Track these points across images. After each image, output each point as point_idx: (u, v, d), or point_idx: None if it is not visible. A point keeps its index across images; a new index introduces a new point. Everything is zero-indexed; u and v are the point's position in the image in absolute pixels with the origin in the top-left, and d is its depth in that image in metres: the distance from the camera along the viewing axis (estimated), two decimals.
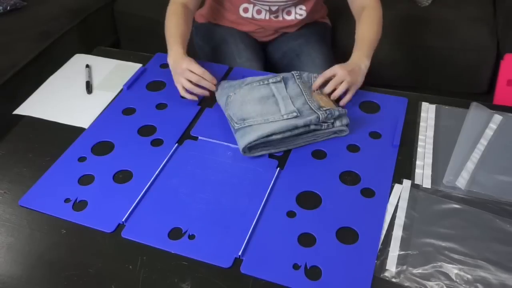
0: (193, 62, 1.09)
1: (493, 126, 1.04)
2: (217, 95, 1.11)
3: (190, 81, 1.09)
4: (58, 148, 1.03)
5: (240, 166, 0.97)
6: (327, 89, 1.07)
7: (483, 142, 1.00)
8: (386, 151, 1.00)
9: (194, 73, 1.08)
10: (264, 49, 1.46)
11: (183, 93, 1.11)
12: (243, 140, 0.97)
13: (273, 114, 0.99)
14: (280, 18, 1.36)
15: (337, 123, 1.00)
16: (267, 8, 1.32)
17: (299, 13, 1.36)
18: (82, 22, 1.95)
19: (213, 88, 1.10)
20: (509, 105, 1.11)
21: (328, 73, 1.07)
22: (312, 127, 0.98)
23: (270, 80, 1.07)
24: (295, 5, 1.33)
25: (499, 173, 0.94)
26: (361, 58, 1.13)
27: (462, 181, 0.92)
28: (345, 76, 1.06)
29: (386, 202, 0.89)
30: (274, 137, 0.96)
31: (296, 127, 0.97)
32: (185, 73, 1.09)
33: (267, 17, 1.35)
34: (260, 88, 1.06)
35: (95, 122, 1.10)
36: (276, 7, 1.31)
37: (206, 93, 1.11)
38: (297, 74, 1.09)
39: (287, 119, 0.98)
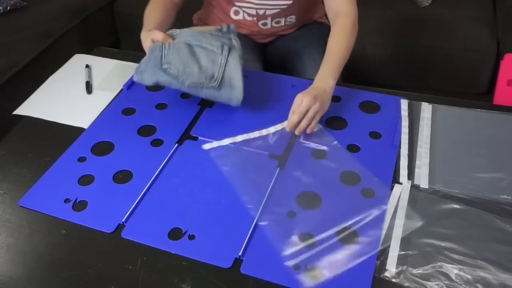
0: (154, 32, 1.08)
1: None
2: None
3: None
4: (58, 148, 1.03)
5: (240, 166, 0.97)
6: (297, 123, 1.01)
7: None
8: (386, 151, 1.00)
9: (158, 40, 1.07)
10: (263, 50, 1.46)
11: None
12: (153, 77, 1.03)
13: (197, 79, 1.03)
14: (269, 26, 1.36)
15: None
16: (254, 12, 1.31)
17: (288, 20, 1.36)
18: (82, 22, 1.95)
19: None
20: (509, 105, 1.11)
21: (296, 106, 1.01)
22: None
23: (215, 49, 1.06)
24: (285, 16, 1.33)
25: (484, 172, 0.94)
26: (326, 78, 1.07)
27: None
28: (311, 103, 1.00)
29: (386, 202, 0.89)
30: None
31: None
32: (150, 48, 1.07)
33: (255, 20, 1.35)
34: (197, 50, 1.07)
35: (95, 122, 1.10)
36: (263, 11, 1.30)
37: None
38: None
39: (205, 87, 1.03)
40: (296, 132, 1.02)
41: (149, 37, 1.08)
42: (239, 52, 1.07)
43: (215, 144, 1.02)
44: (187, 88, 1.04)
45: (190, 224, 0.86)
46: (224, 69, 1.03)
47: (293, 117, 1.01)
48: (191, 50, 1.05)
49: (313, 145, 1.01)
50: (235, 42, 1.08)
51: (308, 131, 1.02)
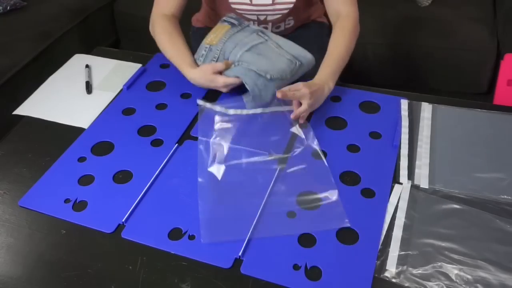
0: (226, 77, 1.08)
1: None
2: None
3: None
4: (58, 148, 1.03)
5: (240, 166, 0.97)
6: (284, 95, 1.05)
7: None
8: (386, 151, 1.00)
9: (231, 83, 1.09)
10: None
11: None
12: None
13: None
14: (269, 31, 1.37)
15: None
16: (255, 18, 1.31)
17: (287, 23, 1.37)
18: (82, 22, 1.95)
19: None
20: (509, 105, 1.11)
21: (292, 88, 1.04)
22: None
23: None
24: (284, 19, 1.33)
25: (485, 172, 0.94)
26: (327, 80, 1.10)
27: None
28: (306, 96, 1.02)
29: (386, 202, 0.89)
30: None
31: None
32: (228, 87, 1.10)
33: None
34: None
35: (95, 122, 1.10)
36: (264, 16, 1.30)
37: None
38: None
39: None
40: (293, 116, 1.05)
41: (211, 73, 1.08)
42: (262, 28, 1.18)
43: (208, 105, 1.09)
44: (292, 78, 1.10)
45: (190, 224, 0.86)
46: (283, 48, 1.12)
47: (287, 92, 1.02)
48: (256, 53, 1.09)
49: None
50: (254, 26, 1.18)
51: (292, 115, 1.05)
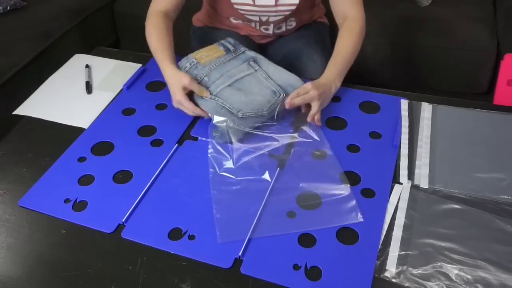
0: (185, 99, 1.04)
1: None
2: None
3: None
4: (58, 148, 1.03)
5: (240, 166, 0.97)
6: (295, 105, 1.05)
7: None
8: (386, 151, 1.00)
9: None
10: (263, 50, 1.46)
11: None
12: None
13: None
14: (270, 32, 1.36)
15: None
16: (257, 19, 1.31)
17: (289, 24, 1.37)
18: (82, 22, 1.95)
19: (207, 116, 1.06)
20: (509, 105, 1.11)
21: (301, 91, 1.05)
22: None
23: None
24: (285, 20, 1.33)
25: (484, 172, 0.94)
26: (334, 78, 1.11)
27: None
28: (315, 98, 1.04)
29: (386, 202, 0.89)
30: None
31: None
32: (179, 106, 1.07)
33: (257, 28, 1.35)
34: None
35: (95, 122, 1.10)
36: (266, 17, 1.30)
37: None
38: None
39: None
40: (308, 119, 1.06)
41: (183, 87, 1.04)
42: (257, 55, 1.13)
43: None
44: (269, 115, 1.05)
45: (190, 224, 0.86)
46: (272, 78, 1.08)
47: (296, 99, 1.04)
48: (236, 88, 1.06)
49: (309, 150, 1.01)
50: (250, 52, 1.14)
51: (309, 118, 1.05)
